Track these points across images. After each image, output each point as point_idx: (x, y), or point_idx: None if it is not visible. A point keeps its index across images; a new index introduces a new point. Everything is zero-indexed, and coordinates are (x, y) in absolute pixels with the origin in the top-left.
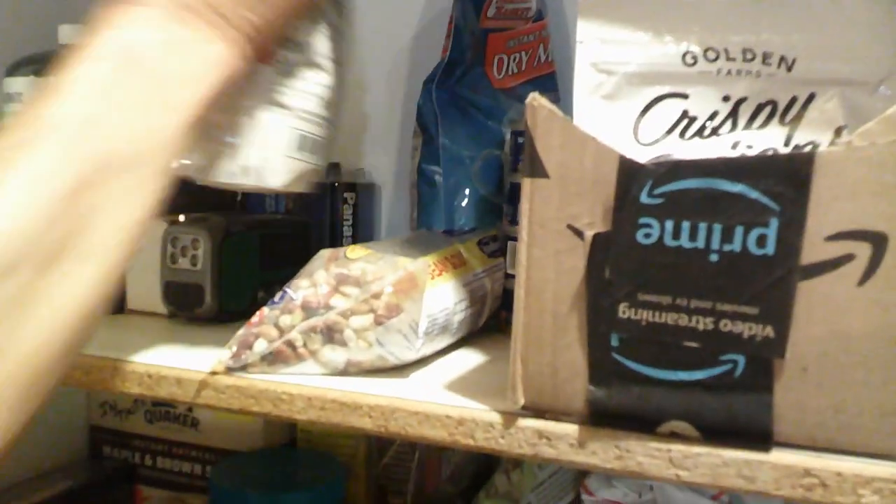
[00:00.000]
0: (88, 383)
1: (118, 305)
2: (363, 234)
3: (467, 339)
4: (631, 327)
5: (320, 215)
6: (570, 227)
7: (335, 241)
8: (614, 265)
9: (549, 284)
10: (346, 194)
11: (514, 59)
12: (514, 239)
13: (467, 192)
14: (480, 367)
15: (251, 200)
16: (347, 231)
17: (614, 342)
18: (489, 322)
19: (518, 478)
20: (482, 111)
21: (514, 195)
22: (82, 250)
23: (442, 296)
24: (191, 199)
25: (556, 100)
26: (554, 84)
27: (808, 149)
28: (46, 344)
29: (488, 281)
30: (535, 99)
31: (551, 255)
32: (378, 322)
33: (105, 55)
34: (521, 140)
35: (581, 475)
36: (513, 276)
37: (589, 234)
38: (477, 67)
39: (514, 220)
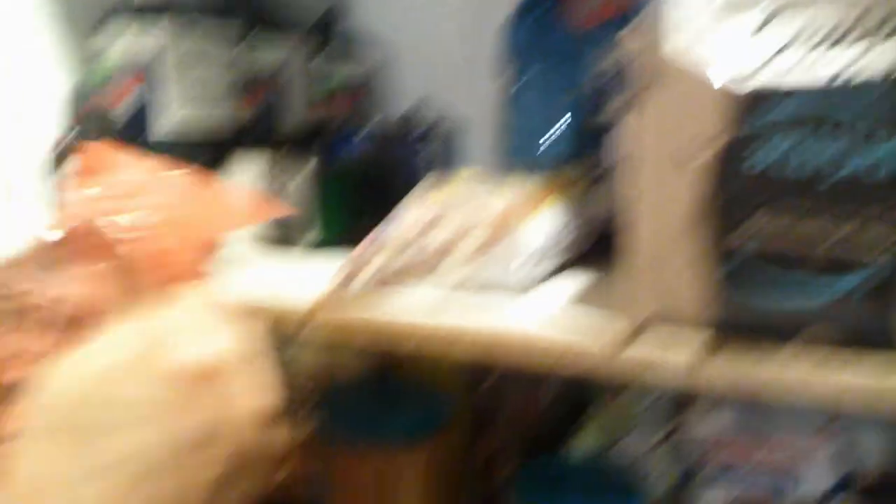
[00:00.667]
0: None
1: None
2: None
3: (567, 268)
4: (758, 244)
5: (403, 158)
6: (679, 151)
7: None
8: (731, 187)
9: (664, 205)
10: (428, 135)
11: None
12: (609, 171)
13: (562, 123)
14: (584, 294)
15: (333, 146)
16: (432, 173)
17: (740, 258)
18: (588, 251)
19: (618, 407)
20: (568, 46)
21: (604, 129)
22: None
23: (542, 224)
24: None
25: None
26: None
27: None
28: None
29: (585, 213)
30: (642, 24)
31: (663, 178)
32: (482, 248)
33: None
34: (614, 74)
35: (683, 404)
36: (612, 211)
37: (700, 158)
38: (557, 4)
39: (608, 154)
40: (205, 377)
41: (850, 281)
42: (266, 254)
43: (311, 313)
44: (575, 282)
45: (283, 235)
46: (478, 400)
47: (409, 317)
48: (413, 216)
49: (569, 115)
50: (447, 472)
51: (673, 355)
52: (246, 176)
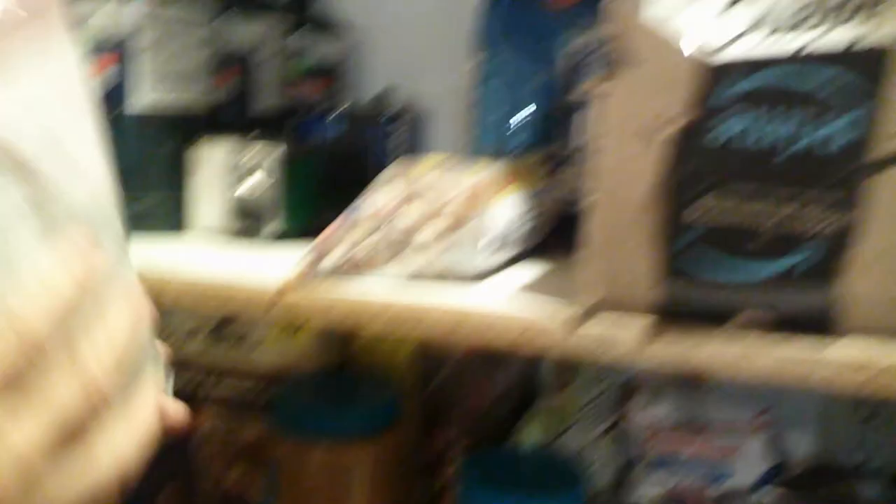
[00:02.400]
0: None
1: (179, 222)
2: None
3: (528, 253)
4: (706, 223)
5: (372, 142)
6: (643, 127)
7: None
8: (686, 165)
9: (625, 185)
10: (397, 120)
11: None
12: (569, 159)
13: (527, 110)
14: (543, 278)
15: (303, 128)
16: (400, 158)
17: (684, 242)
18: (548, 238)
19: (563, 400)
20: (536, 31)
21: (571, 114)
22: None
23: (506, 208)
24: (246, 126)
25: None
26: None
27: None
28: None
29: (549, 196)
30: (615, 2)
31: (627, 155)
32: (445, 233)
33: None
34: (580, 58)
35: (626, 396)
36: (573, 195)
37: (666, 133)
38: None
39: (573, 138)
40: None
41: (792, 258)
42: (233, 243)
43: (279, 294)
44: (536, 266)
45: (249, 225)
46: (428, 395)
47: (376, 297)
48: (380, 200)
49: (540, 98)
50: (398, 466)
51: (622, 333)
52: (216, 155)
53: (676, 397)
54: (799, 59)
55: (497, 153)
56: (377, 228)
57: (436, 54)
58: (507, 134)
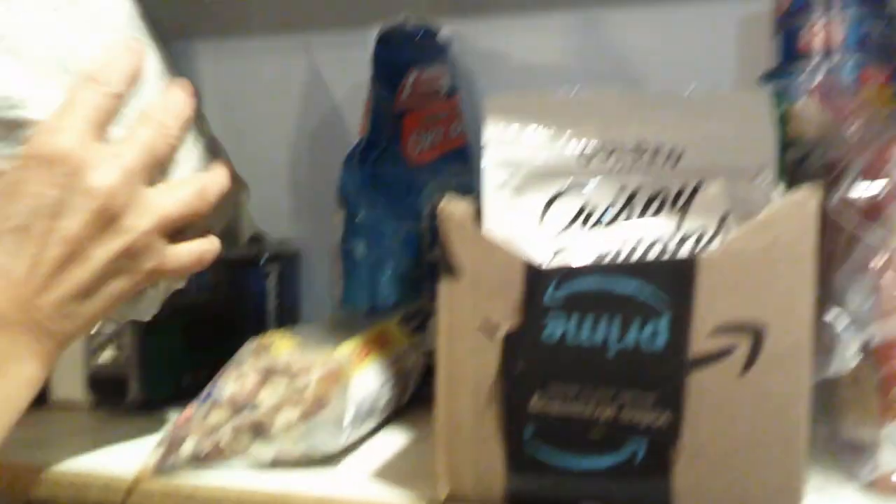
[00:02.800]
0: (13, 492)
1: (41, 397)
2: (288, 305)
3: (394, 417)
4: (542, 419)
5: (245, 288)
6: (482, 326)
7: (260, 315)
8: (524, 361)
9: (468, 379)
10: (269, 266)
11: (429, 136)
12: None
13: (389, 267)
14: (407, 450)
15: None
16: (272, 303)
17: (528, 434)
18: (414, 397)
19: None
20: (401, 187)
21: (433, 271)
22: None
23: (367, 380)
24: None
25: (468, 171)
26: (467, 156)
27: (696, 235)
28: None
29: (412, 357)
30: (446, 206)
31: (469, 352)
32: (305, 416)
33: None
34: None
35: None
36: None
37: (500, 332)
38: (394, 145)
39: (434, 296)
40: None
41: (626, 451)
42: (91, 417)
43: (136, 482)
44: (402, 435)
45: (109, 396)
46: None
47: (236, 485)
48: (238, 381)
49: (405, 252)
50: None
51: None
52: None
53: None
54: (614, 268)
55: (364, 307)
56: (235, 413)
57: (309, 200)
58: (375, 288)
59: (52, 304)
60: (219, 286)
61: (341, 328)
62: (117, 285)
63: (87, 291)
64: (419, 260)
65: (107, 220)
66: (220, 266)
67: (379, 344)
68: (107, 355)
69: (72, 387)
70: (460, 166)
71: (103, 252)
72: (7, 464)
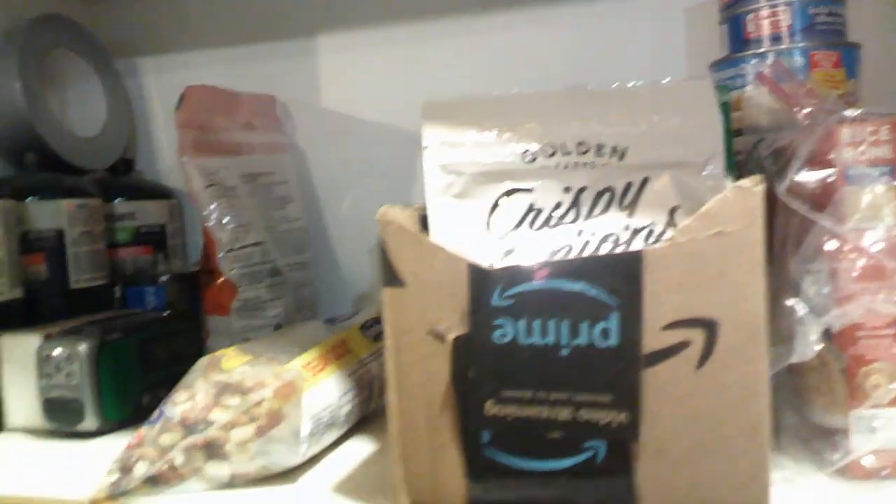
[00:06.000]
0: None
1: None
2: None
3: (357, 427)
4: (498, 423)
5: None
6: (431, 332)
7: None
8: (476, 365)
9: (420, 388)
10: None
11: None
12: None
13: None
14: (369, 462)
15: (131, 298)
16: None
17: (485, 438)
18: (382, 405)
19: None
20: None
21: None
22: None
23: (325, 392)
24: (69, 304)
25: None
26: None
27: (646, 231)
28: None
29: (374, 365)
30: (386, 213)
31: (418, 360)
32: (260, 433)
33: None
34: None
35: None
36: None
37: (449, 338)
38: None
39: None
40: None
41: (586, 451)
42: (45, 443)
43: None
44: (364, 444)
45: (63, 421)
46: None
47: None
48: (189, 401)
49: None
50: None
51: None
52: (23, 349)
53: None
54: (561, 267)
55: (325, 319)
56: (187, 433)
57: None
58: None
59: None
60: (175, 303)
61: (297, 340)
62: None
63: None
64: None
65: None
66: (176, 282)
67: (338, 353)
68: (60, 380)
69: (27, 413)
70: None
71: None
72: None
